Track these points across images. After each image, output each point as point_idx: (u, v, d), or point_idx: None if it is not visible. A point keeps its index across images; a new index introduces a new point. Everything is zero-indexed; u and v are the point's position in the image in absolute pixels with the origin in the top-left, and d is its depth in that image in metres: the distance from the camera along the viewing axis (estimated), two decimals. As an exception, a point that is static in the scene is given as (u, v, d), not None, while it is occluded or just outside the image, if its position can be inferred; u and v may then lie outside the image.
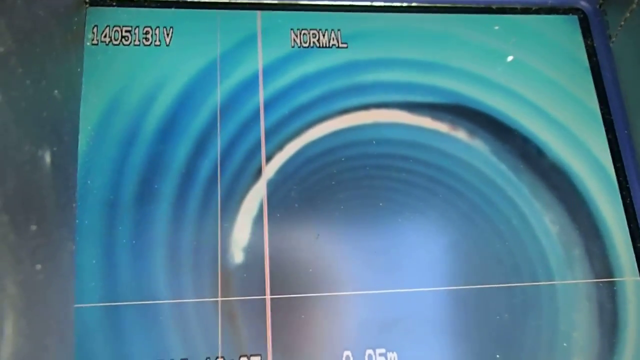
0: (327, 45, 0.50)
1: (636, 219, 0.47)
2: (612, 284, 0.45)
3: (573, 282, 0.45)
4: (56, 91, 0.38)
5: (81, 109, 0.45)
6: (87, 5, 0.47)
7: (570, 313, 0.44)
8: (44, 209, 0.36)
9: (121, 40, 0.47)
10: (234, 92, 0.47)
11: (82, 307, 0.40)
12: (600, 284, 0.45)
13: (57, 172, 0.38)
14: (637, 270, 0.46)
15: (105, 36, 0.47)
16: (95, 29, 0.47)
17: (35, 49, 0.35)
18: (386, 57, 0.50)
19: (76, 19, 0.44)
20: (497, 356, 0.43)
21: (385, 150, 0.47)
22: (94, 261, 0.42)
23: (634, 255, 0.47)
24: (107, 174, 0.44)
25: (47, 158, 0.36)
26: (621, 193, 0.48)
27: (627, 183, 0.48)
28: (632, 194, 0.48)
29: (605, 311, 0.45)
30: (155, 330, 0.41)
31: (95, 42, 0.47)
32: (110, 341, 0.40)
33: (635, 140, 0.48)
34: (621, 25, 0.49)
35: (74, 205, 0.42)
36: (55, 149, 0.37)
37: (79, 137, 0.44)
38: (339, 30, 0.50)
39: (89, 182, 0.43)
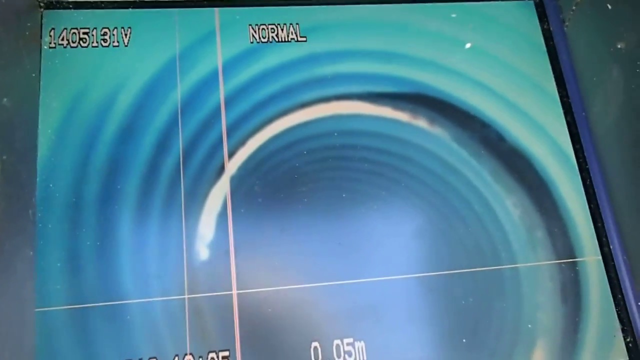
0: (286, 40, 0.50)
1: (596, 199, 0.48)
2: (575, 264, 0.46)
3: (536, 264, 0.46)
4: (5, 99, 0.37)
5: (40, 114, 0.44)
6: (42, 9, 0.47)
7: (534, 295, 0.45)
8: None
9: (79, 43, 0.47)
10: (194, 90, 0.47)
11: (46, 310, 0.41)
12: (563, 265, 0.46)
13: (8, 181, 0.37)
14: (599, 250, 0.47)
15: (62, 39, 0.47)
16: (52, 32, 0.47)
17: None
18: (345, 49, 0.50)
19: (29, 23, 0.44)
20: (464, 340, 0.44)
21: (347, 142, 0.48)
22: (58, 264, 0.42)
23: (594, 235, 0.47)
24: (69, 176, 0.44)
25: (-4, 168, 0.36)
26: (581, 174, 0.49)
27: (586, 164, 0.49)
28: (591, 174, 0.49)
29: (568, 291, 0.45)
30: (122, 330, 0.41)
31: (52, 45, 0.47)
32: (77, 343, 0.40)
33: (593, 122, 0.49)
34: (573, 9, 0.50)
35: (30, 212, 0.42)
36: (5, 157, 0.37)
37: (39, 141, 0.44)
38: (297, 24, 0.51)
39: (50, 185, 0.43)
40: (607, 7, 0.45)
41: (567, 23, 0.51)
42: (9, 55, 0.39)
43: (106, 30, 0.48)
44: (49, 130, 0.44)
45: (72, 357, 0.40)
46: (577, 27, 0.50)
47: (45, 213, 0.43)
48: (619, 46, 0.44)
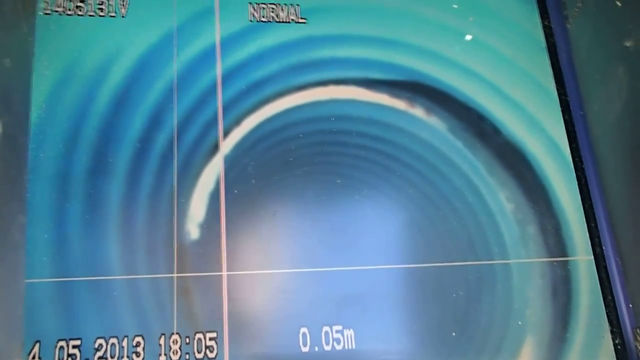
0: (286, 20, 0.49)
1: (590, 199, 0.48)
2: (566, 263, 0.46)
3: (527, 260, 0.46)
4: (7, 59, 0.36)
5: (32, 81, 0.43)
6: (39, -27, 0.46)
7: (524, 291, 0.45)
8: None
9: (75, 11, 0.46)
10: (190, 65, 0.46)
11: (33, 282, 0.39)
12: (554, 263, 0.46)
13: (8, 143, 0.36)
14: (591, 250, 0.47)
15: (58, 6, 0.46)
16: (47, -2, 0.46)
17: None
18: (345, 33, 0.50)
19: (26, -14, 0.43)
20: (453, 334, 0.43)
21: (343, 127, 0.47)
22: (45, 235, 0.41)
23: (587, 235, 0.47)
24: (59, 146, 0.43)
25: (-1, 128, 0.35)
26: (576, 173, 0.49)
27: (582, 164, 0.49)
28: (586, 174, 0.48)
29: (559, 290, 0.45)
30: (108, 306, 0.40)
31: (47, 11, 0.45)
32: (62, 317, 0.39)
33: (591, 121, 0.49)
34: (578, 7, 0.50)
35: (25, 177, 0.41)
36: (6, 119, 0.36)
37: (31, 109, 0.43)
38: (297, 5, 0.50)
39: (41, 154, 0.42)
40: (617, 4, 0.44)
41: (570, 20, 0.51)
42: (9, 16, 0.38)
43: (103, -1, 0.47)
44: (41, 99, 0.43)
45: (57, 331, 0.39)
46: (582, 24, 0.50)
47: (34, 182, 0.41)
48: (627, 44, 0.44)
